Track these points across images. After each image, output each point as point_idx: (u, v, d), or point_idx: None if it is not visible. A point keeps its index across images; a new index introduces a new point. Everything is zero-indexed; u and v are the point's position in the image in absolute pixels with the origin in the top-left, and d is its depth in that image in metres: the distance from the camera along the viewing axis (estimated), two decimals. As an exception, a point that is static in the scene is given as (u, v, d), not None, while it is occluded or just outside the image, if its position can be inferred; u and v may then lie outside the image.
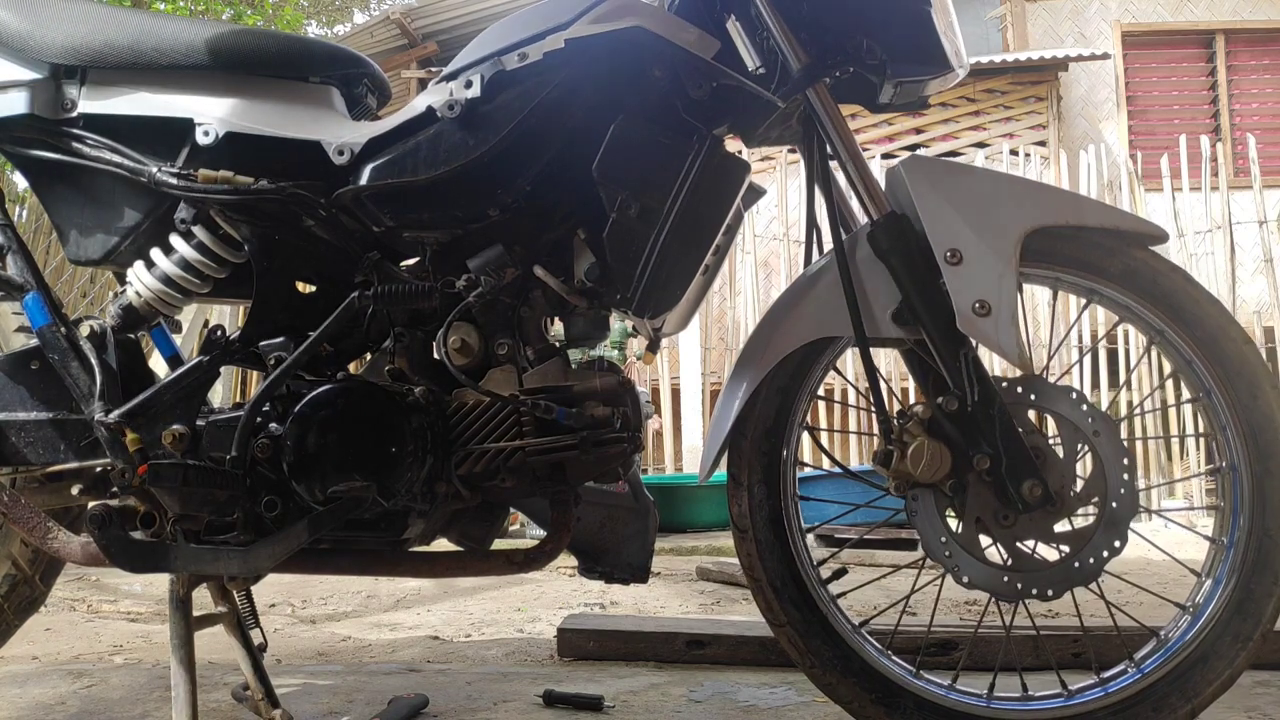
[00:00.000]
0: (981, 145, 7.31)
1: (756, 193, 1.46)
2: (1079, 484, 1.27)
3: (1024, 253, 1.24)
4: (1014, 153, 6.46)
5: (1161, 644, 1.28)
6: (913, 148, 7.33)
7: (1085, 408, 1.26)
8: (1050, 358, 1.47)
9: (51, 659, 2.15)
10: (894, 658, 1.33)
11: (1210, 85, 7.96)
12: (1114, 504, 1.25)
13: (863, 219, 1.32)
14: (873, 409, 1.30)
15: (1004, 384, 1.27)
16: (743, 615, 2.59)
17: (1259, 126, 7.60)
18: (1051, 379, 1.30)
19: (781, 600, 1.33)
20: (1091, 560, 1.25)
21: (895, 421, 1.27)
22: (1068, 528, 1.27)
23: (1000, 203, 1.24)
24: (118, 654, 2.23)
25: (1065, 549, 1.26)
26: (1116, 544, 1.25)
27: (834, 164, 1.34)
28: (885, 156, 6.94)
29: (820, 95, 1.27)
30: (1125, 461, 1.25)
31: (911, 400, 1.35)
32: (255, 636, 1.46)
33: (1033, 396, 1.27)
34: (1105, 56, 7.54)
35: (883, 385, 1.32)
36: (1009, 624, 1.43)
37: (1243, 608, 1.24)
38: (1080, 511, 1.27)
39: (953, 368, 1.23)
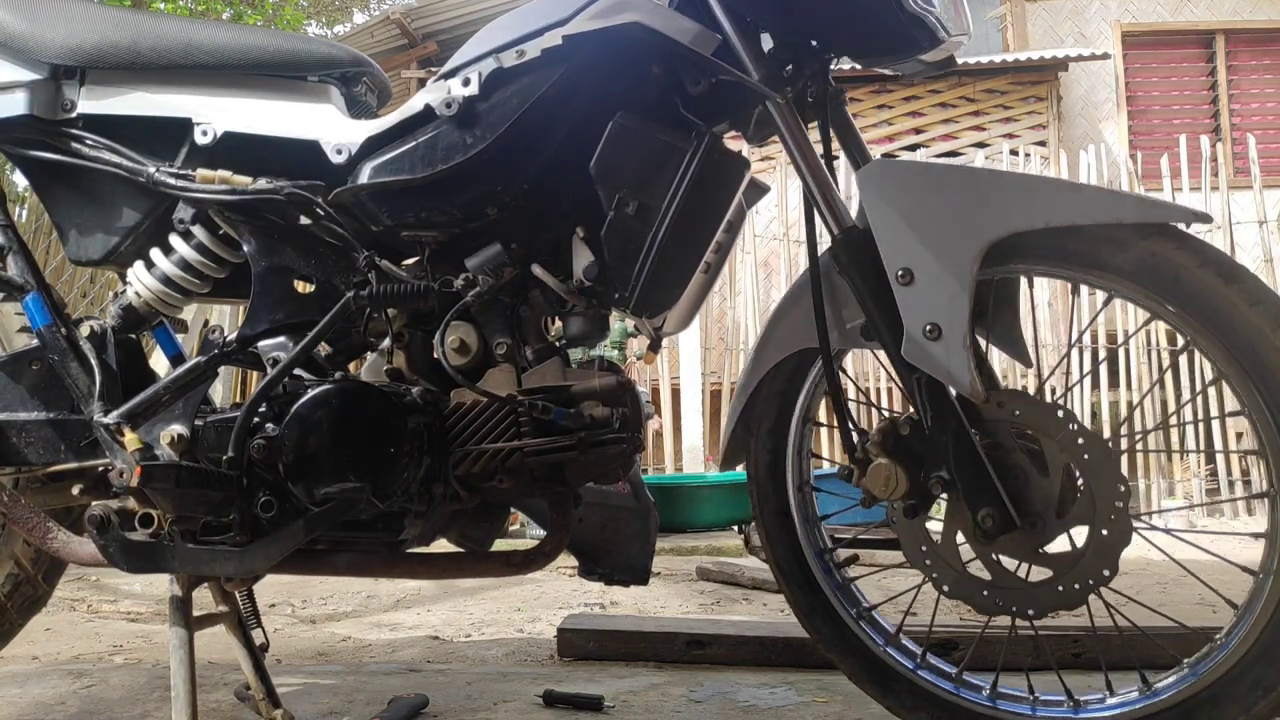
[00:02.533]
0: (981, 145, 7.30)
1: (759, 190, 1.45)
2: (1070, 507, 1.18)
3: (1033, 251, 1.16)
4: (1014, 153, 6.46)
5: (1182, 673, 1.17)
6: (913, 148, 7.33)
7: (1073, 427, 1.17)
8: (1062, 359, 1.45)
9: (51, 659, 2.15)
10: (893, 653, 1.36)
11: (1210, 85, 7.96)
12: (1104, 531, 1.16)
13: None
14: (875, 411, 1.30)
15: (987, 399, 1.19)
16: (743, 615, 2.59)
17: (1259, 126, 7.59)
18: (1059, 378, 1.28)
19: (789, 583, 1.43)
20: (1077, 586, 1.18)
21: (856, 439, 1.25)
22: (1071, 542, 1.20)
23: (959, 212, 1.13)
24: (118, 654, 2.23)
25: (1050, 571, 1.20)
26: (1105, 573, 1.16)
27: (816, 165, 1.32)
28: (885, 156, 6.94)
29: (780, 107, 1.23)
30: (1121, 489, 1.15)
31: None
32: (257, 636, 1.46)
33: (1016, 413, 1.19)
34: (1105, 56, 7.54)
35: (848, 398, 1.32)
36: (1011, 625, 1.43)
37: (1269, 653, 1.08)
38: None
39: (910, 388, 1.20)
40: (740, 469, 1.44)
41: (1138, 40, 8.09)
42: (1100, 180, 6.11)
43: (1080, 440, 1.16)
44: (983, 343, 1.31)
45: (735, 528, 4.40)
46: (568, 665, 2.01)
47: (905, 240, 1.15)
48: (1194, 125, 7.62)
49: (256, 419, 1.24)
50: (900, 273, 1.15)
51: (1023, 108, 7.48)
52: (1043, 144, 7.30)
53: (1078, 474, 1.18)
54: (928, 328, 1.14)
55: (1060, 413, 1.18)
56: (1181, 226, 1.12)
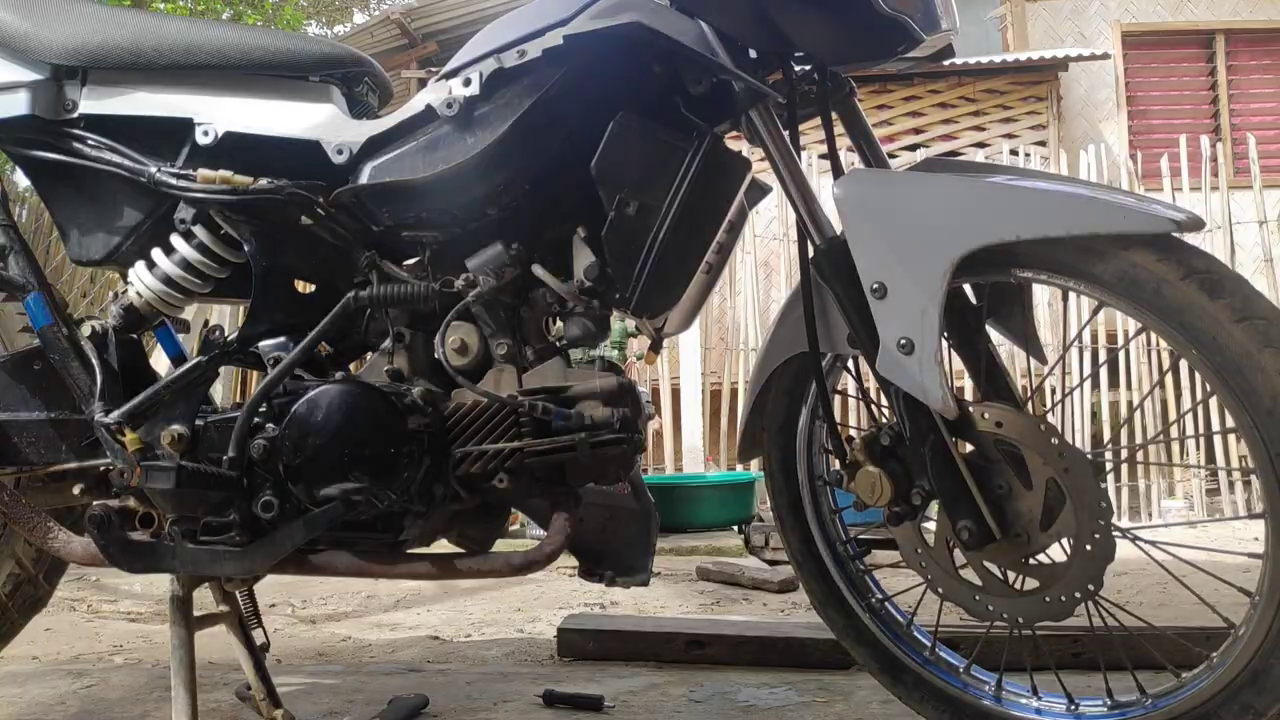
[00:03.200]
0: (981, 145, 7.30)
1: (761, 190, 1.45)
2: (1055, 521, 1.16)
3: (1024, 259, 1.13)
4: (1014, 153, 6.46)
5: (1178, 685, 1.17)
6: (913, 147, 7.32)
7: (1054, 442, 1.15)
8: (1055, 363, 1.45)
9: (51, 659, 2.15)
10: (902, 645, 1.39)
11: (1210, 85, 7.95)
12: (1088, 547, 1.14)
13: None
14: (873, 415, 1.30)
15: (963, 412, 1.18)
16: (743, 615, 2.59)
17: (1259, 126, 7.59)
18: (1057, 379, 1.28)
19: (804, 572, 1.48)
20: (1063, 598, 1.17)
21: (846, 445, 1.25)
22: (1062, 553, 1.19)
23: (930, 226, 1.11)
24: (118, 654, 2.23)
25: (1035, 582, 1.19)
26: (1090, 587, 1.15)
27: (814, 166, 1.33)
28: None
29: (761, 116, 1.23)
30: (1102, 505, 1.13)
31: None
32: (257, 636, 1.46)
33: (998, 426, 1.17)
34: (1105, 56, 7.53)
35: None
36: (1009, 628, 1.43)
37: (1258, 679, 1.05)
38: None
39: (890, 399, 1.20)
40: (742, 468, 1.48)
41: (1138, 40, 8.08)
42: (1100, 180, 6.11)
43: (1062, 455, 1.14)
44: (1003, 348, 1.30)
45: (735, 528, 4.40)
46: (568, 665, 2.01)
47: (878, 254, 1.14)
48: (1194, 125, 7.60)
49: (257, 419, 1.25)
50: (874, 286, 1.14)
51: (1023, 108, 7.47)
52: (1043, 144, 7.30)
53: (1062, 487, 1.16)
54: (901, 341, 1.13)
55: (1042, 426, 1.16)
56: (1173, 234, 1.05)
